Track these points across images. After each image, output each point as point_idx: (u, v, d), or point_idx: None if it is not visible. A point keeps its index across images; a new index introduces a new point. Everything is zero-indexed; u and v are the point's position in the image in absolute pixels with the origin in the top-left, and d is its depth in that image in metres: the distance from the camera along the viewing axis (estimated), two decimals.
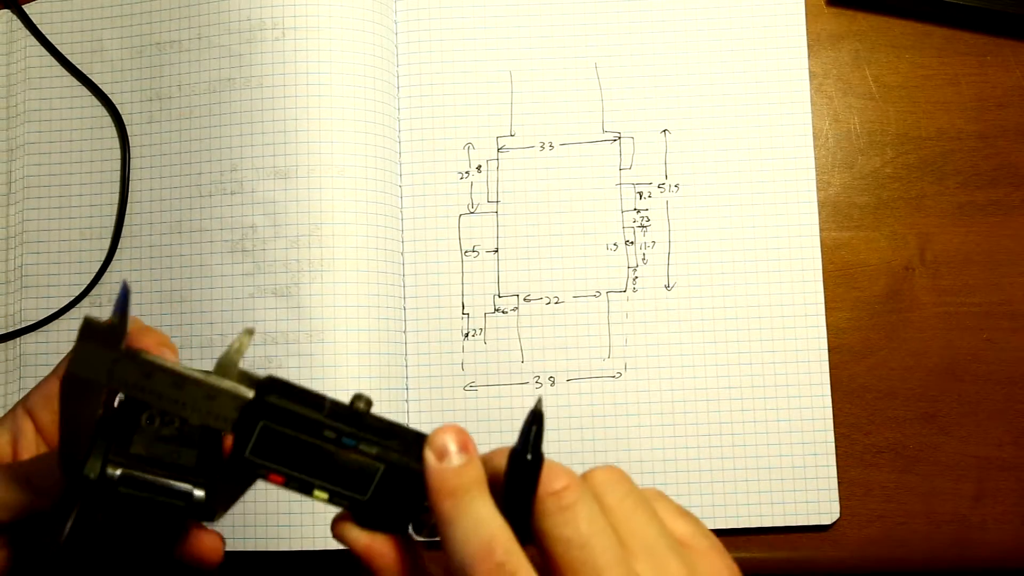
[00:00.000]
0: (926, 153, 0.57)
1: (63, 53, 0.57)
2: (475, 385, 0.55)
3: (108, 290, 0.55)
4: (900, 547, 0.54)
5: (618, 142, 0.56)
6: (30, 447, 0.37)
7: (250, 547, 0.52)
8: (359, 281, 0.53)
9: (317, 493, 0.31)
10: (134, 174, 0.56)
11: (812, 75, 0.57)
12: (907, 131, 0.57)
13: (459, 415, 0.54)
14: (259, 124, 0.54)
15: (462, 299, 0.55)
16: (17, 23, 0.58)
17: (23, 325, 0.55)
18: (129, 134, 0.56)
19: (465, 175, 0.56)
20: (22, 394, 0.55)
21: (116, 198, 0.56)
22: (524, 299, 0.55)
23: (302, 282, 0.53)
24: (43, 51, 0.58)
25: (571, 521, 0.28)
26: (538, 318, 0.55)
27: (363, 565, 0.31)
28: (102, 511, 0.31)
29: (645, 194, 0.56)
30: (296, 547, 0.51)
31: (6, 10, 0.58)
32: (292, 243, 0.53)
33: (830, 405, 0.54)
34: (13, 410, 0.38)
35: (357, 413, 0.31)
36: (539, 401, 0.30)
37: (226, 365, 0.30)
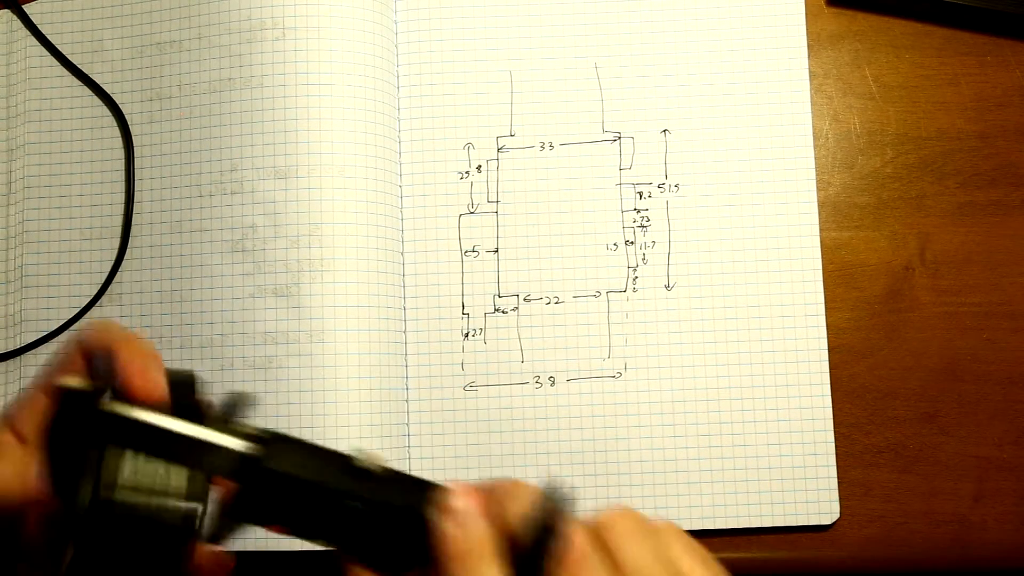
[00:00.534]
0: (926, 153, 0.57)
1: (63, 53, 0.57)
2: (475, 385, 0.55)
3: (119, 290, 0.55)
4: (900, 547, 0.54)
5: (618, 142, 0.56)
6: (15, 460, 0.36)
7: (250, 547, 0.52)
8: (359, 281, 0.53)
9: (321, 542, 0.30)
10: (134, 174, 0.56)
11: (812, 75, 0.57)
12: (907, 131, 0.57)
13: (459, 415, 0.54)
14: (259, 124, 0.54)
15: (462, 299, 0.56)
16: (17, 23, 0.58)
17: (27, 331, 0.55)
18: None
19: (465, 175, 0.56)
20: None
21: (117, 198, 0.56)
22: (524, 299, 0.55)
23: (302, 282, 0.53)
24: (43, 51, 0.58)
25: None
26: (538, 318, 0.55)
27: None
28: (99, 539, 0.31)
29: (645, 194, 0.56)
30: (296, 547, 0.51)
31: (6, 10, 0.58)
32: (292, 243, 0.53)
33: (830, 405, 0.54)
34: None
35: (358, 468, 0.30)
36: (564, 488, 0.29)
37: (221, 417, 0.30)
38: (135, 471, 0.30)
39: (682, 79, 0.57)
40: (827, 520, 0.54)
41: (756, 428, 0.54)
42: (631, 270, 0.56)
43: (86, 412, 0.28)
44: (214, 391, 0.53)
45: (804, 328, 0.55)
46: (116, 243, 0.56)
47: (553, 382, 0.55)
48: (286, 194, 0.54)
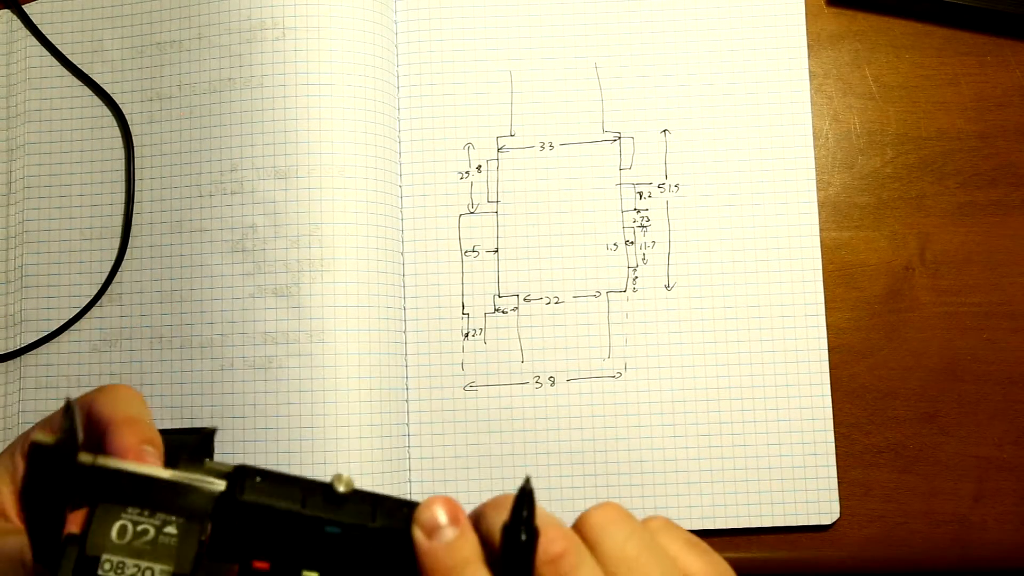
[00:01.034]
0: (926, 153, 0.57)
1: (63, 53, 0.57)
2: (475, 385, 0.55)
3: (118, 290, 0.55)
4: (900, 547, 0.54)
5: (618, 142, 0.56)
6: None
7: None
8: (359, 281, 0.53)
9: (306, 574, 0.30)
10: (134, 174, 0.56)
11: (812, 75, 0.57)
12: (907, 131, 0.57)
13: (459, 415, 0.54)
14: (259, 124, 0.54)
15: (462, 299, 0.56)
16: (17, 23, 0.58)
17: (27, 331, 0.56)
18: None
19: (465, 175, 0.56)
20: (23, 407, 0.55)
21: (117, 198, 0.56)
22: (524, 299, 0.55)
23: (302, 282, 0.53)
24: (43, 51, 0.58)
25: None
26: (538, 318, 0.55)
27: None
28: None
29: (645, 194, 0.56)
30: None
31: (6, 10, 0.58)
32: (292, 243, 0.53)
33: (830, 405, 0.54)
34: (10, 452, 0.36)
35: (335, 494, 0.29)
36: (527, 480, 0.29)
37: (194, 460, 0.29)
38: (122, 532, 0.29)
39: (682, 79, 0.57)
40: (827, 520, 0.54)
41: (756, 428, 0.54)
42: (631, 270, 0.56)
43: (55, 465, 0.27)
44: (213, 392, 0.53)
45: (804, 328, 0.55)
46: (116, 243, 0.56)
47: (553, 382, 0.55)
48: (286, 194, 0.54)
